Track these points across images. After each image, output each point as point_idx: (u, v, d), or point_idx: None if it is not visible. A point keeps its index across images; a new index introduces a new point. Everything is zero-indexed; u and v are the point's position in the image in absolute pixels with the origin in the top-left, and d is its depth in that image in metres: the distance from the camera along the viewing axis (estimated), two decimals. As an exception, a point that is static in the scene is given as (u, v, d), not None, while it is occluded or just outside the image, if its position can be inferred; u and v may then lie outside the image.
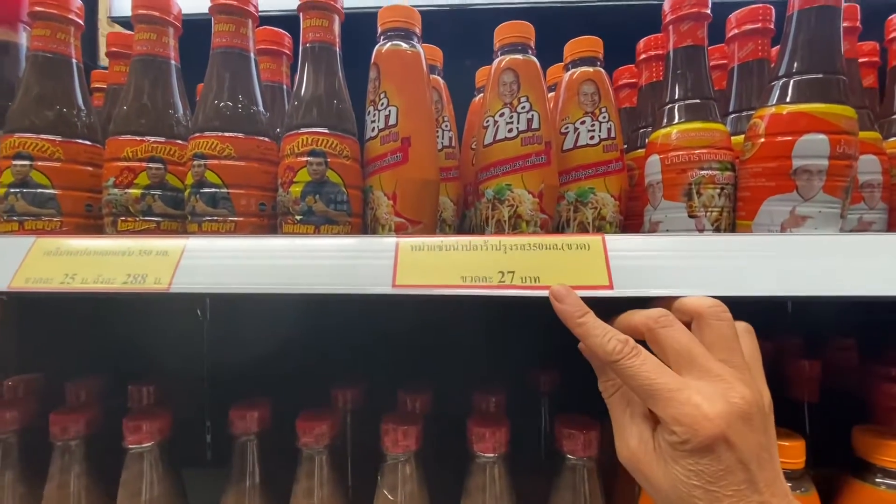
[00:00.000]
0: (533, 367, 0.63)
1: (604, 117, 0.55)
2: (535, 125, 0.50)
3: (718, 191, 0.48)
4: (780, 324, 0.75)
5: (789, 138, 0.43)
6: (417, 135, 0.47)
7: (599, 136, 0.55)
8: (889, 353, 0.64)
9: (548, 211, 0.51)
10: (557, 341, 0.44)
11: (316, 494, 0.50)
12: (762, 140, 0.44)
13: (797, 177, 0.43)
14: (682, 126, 0.49)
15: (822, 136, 0.42)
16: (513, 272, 0.40)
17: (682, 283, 0.38)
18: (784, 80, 0.44)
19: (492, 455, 0.48)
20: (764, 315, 0.47)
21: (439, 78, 0.62)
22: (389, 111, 0.47)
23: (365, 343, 0.74)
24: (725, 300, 0.35)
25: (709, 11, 0.49)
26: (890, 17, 0.60)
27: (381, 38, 0.50)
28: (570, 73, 0.57)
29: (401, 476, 0.49)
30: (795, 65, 0.44)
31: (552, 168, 0.51)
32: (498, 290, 0.40)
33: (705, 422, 0.29)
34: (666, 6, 0.50)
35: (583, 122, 0.55)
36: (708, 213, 0.48)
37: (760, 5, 0.53)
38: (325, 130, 0.46)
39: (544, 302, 0.38)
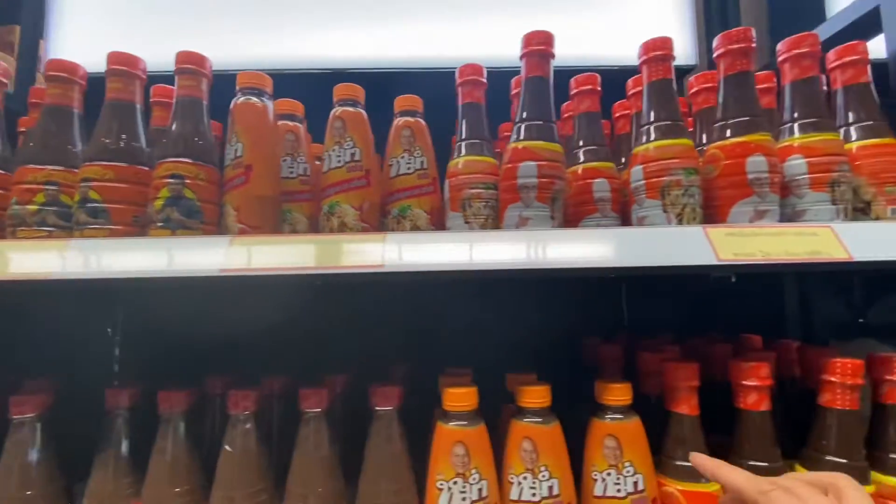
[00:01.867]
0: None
1: (418, 153, 0.72)
2: (357, 158, 0.67)
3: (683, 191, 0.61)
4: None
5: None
6: (257, 163, 0.63)
7: (415, 167, 0.72)
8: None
9: (369, 222, 0.67)
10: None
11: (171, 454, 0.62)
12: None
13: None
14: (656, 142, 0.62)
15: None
16: (314, 259, 0.55)
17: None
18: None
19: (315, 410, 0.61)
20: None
21: (299, 124, 0.78)
22: (238, 146, 0.63)
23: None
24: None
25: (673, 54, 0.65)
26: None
27: (238, 93, 0.67)
28: (395, 121, 0.75)
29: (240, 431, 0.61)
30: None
31: (372, 189, 0.68)
32: (309, 270, 0.55)
33: None
34: (641, 51, 0.66)
35: (402, 157, 0.72)
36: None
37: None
38: (184, 160, 0.61)
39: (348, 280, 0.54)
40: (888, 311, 0.94)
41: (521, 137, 0.62)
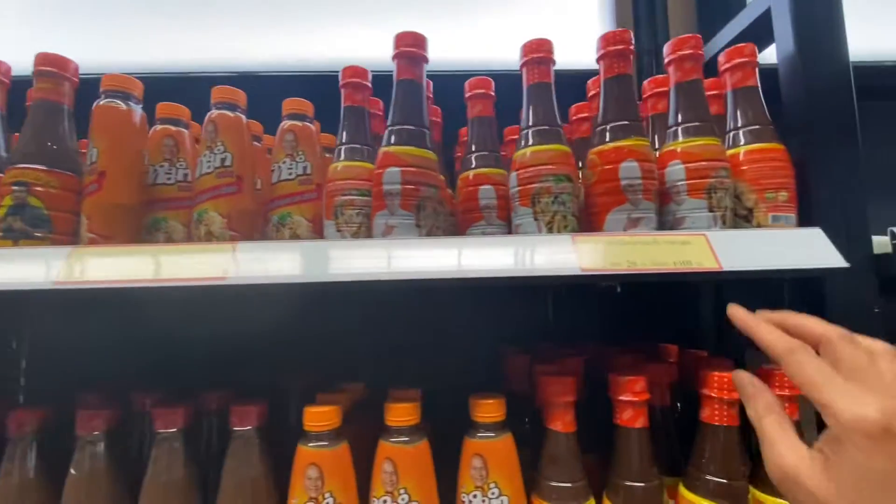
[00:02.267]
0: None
1: (301, 158, 0.69)
2: (227, 163, 0.64)
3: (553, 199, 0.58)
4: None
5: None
6: (112, 169, 0.60)
7: (296, 172, 0.69)
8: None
9: (239, 230, 0.64)
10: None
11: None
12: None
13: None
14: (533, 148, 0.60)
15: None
16: (152, 271, 0.52)
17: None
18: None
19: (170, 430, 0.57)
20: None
21: (183, 129, 0.75)
22: (93, 151, 0.60)
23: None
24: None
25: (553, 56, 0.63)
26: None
27: (101, 96, 0.64)
28: (281, 125, 0.72)
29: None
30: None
31: (244, 196, 0.65)
32: (146, 283, 0.52)
33: (870, 409, 0.31)
34: (520, 53, 0.64)
35: (284, 162, 0.69)
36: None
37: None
38: (33, 166, 0.58)
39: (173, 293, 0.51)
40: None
41: (389, 142, 0.59)
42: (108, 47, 1.07)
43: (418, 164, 0.58)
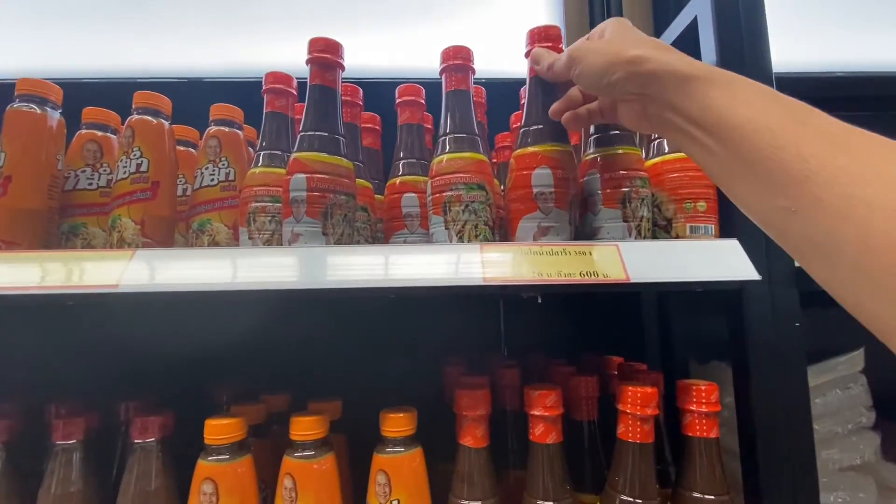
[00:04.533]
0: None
1: (223, 164, 0.68)
2: (143, 168, 0.63)
3: (463, 207, 0.57)
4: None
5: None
6: (18, 174, 0.59)
7: (218, 178, 0.68)
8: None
9: (153, 236, 0.63)
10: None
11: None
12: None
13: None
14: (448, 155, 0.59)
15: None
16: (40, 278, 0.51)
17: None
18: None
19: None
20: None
21: (111, 134, 0.74)
22: (1, 156, 0.59)
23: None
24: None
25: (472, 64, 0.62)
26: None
27: (15, 100, 0.63)
28: (206, 130, 0.71)
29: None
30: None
31: (157, 202, 0.63)
32: (33, 290, 0.50)
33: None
34: (440, 59, 0.62)
35: (206, 168, 0.68)
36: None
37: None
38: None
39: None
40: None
41: (299, 148, 0.58)
42: (46, 52, 1.06)
43: (327, 171, 0.57)
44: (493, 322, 1.05)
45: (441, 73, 0.62)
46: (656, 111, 0.43)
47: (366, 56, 1.11)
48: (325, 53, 0.59)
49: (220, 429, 0.54)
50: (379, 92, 0.80)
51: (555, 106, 0.57)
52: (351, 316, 0.97)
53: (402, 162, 0.70)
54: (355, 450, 0.67)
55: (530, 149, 0.58)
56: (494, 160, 0.93)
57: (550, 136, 0.58)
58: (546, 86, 0.59)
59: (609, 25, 0.49)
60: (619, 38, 0.47)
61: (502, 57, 0.94)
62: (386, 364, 0.94)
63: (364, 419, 0.61)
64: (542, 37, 0.60)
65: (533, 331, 1.04)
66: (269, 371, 0.82)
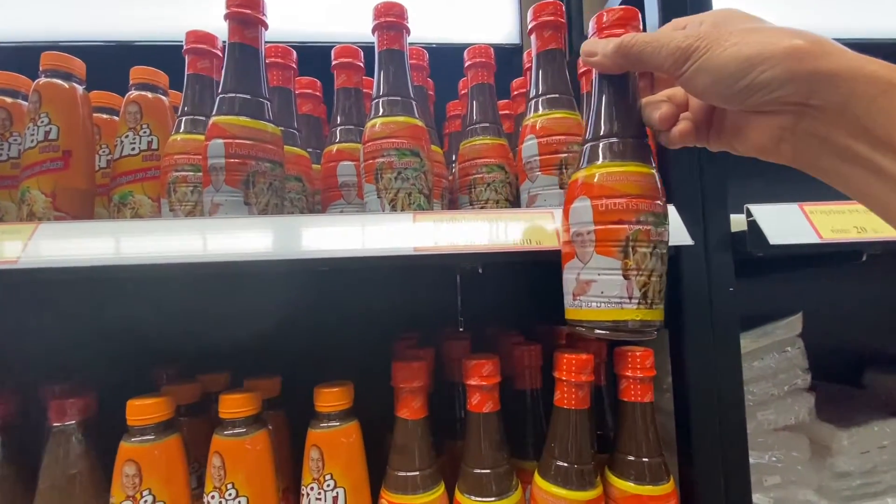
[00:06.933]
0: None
1: (145, 132, 0.64)
2: (52, 136, 0.59)
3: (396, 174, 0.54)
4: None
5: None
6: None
7: (140, 147, 0.64)
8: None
9: (66, 210, 0.59)
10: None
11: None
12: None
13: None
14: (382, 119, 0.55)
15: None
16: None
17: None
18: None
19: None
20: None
21: (22, 101, 0.68)
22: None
23: None
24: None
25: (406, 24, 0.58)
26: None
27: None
28: (126, 95, 0.66)
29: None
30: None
31: (70, 173, 0.59)
32: None
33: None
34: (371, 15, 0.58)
35: (126, 136, 0.64)
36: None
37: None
38: None
39: None
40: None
41: (217, 112, 0.54)
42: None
43: (248, 136, 0.53)
44: (449, 296, 1.04)
45: (373, 31, 0.59)
46: (821, 131, 0.31)
47: (309, 19, 1.05)
48: (243, 8, 0.54)
49: (141, 409, 0.52)
50: (323, 57, 0.76)
51: (665, 110, 0.40)
52: (307, 292, 0.95)
53: (338, 129, 0.66)
54: (302, 429, 0.66)
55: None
56: (446, 131, 0.91)
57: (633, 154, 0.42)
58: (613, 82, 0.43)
59: (713, 13, 0.36)
60: (750, 24, 0.33)
61: (450, 22, 0.91)
62: (339, 340, 0.93)
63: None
64: (618, 21, 0.43)
65: (490, 304, 1.03)
66: (219, 351, 0.79)
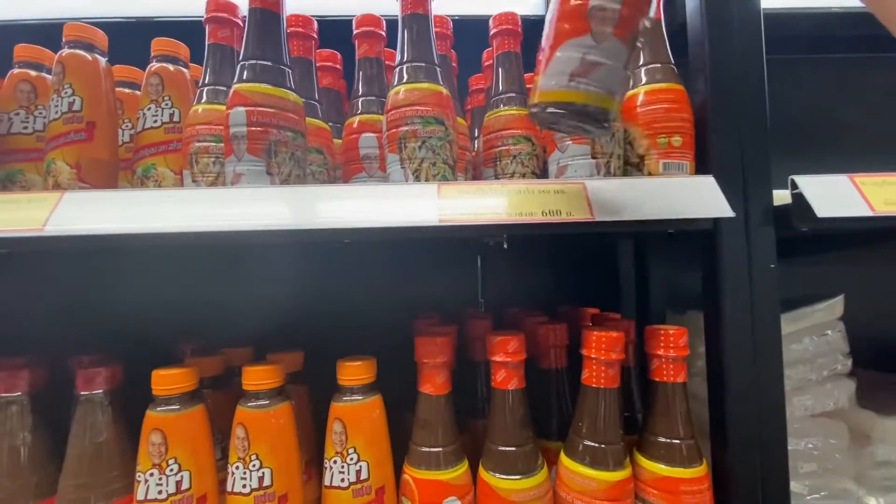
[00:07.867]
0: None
1: (167, 105, 0.63)
2: (76, 108, 0.58)
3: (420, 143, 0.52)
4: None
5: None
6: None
7: (162, 120, 0.63)
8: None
9: (90, 181, 0.59)
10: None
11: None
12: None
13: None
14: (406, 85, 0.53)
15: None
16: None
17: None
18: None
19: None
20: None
21: (46, 74, 0.68)
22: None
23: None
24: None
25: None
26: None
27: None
28: (148, 68, 0.65)
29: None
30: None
31: (94, 144, 0.59)
32: None
33: None
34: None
35: (149, 109, 0.63)
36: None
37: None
38: None
39: None
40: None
41: (238, 80, 0.53)
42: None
43: (270, 105, 0.52)
44: (470, 278, 1.03)
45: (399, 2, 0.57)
46: None
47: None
48: (262, -25, 0.53)
49: (166, 379, 0.52)
50: (341, 32, 0.73)
51: None
52: (329, 271, 0.94)
53: (360, 100, 0.65)
54: (323, 406, 0.66)
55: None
56: (468, 107, 0.88)
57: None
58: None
59: None
60: None
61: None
62: (360, 320, 0.92)
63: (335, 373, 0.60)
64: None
65: (511, 285, 1.01)
66: (242, 326, 0.80)
